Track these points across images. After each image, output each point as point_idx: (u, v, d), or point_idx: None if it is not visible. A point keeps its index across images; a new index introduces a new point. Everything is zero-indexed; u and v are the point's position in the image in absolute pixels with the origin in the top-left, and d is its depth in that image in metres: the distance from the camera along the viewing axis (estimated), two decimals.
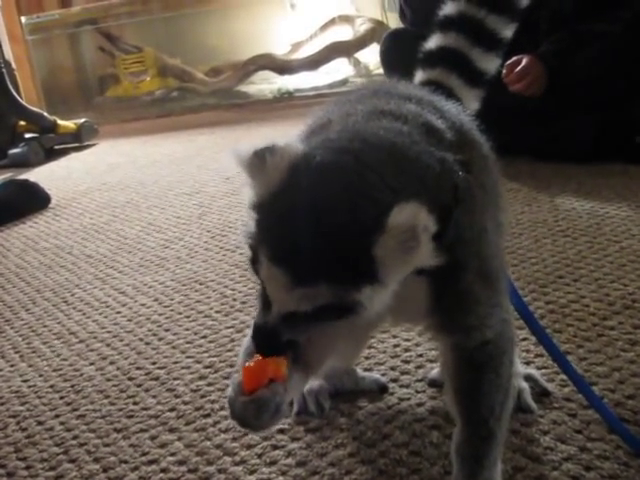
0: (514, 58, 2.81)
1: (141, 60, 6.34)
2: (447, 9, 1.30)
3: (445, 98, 1.07)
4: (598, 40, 2.80)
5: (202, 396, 1.41)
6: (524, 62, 2.77)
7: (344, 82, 5.89)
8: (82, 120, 4.96)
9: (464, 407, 0.99)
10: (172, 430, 1.31)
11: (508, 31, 1.29)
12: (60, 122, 4.79)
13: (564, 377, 1.30)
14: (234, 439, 1.25)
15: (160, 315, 1.84)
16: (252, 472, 1.16)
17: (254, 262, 0.82)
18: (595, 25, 2.84)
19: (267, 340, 0.84)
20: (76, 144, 4.89)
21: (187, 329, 1.73)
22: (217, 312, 1.80)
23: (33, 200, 3.18)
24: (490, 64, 1.30)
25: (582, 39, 2.82)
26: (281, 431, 1.25)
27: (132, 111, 6.15)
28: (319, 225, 0.76)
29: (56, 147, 4.79)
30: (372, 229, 0.74)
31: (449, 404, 1.04)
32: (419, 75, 1.29)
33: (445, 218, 0.81)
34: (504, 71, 2.81)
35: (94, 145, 4.96)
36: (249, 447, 1.22)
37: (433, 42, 1.31)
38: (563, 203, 2.33)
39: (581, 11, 2.80)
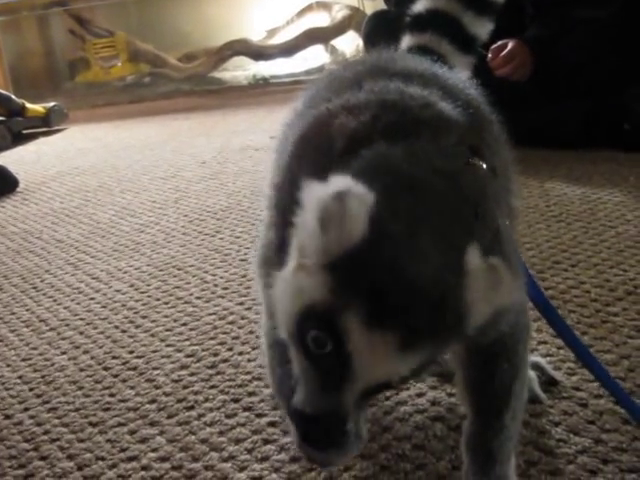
0: (500, 42, 2.75)
1: (112, 45, 6.18)
2: None
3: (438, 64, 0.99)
4: (584, 25, 2.75)
5: (184, 387, 1.32)
6: (510, 46, 2.71)
7: (320, 69, 5.79)
8: (51, 104, 4.79)
9: (477, 399, 0.91)
10: (153, 424, 1.21)
11: None
12: (28, 105, 4.62)
13: (571, 365, 1.25)
14: (221, 433, 1.16)
15: (137, 301, 1.73)
16: (242, 469, 1.06)
17: (328, 329, 0.64)
18: (581, 10, 2.79)
19: (330, 429, 0.68)
20: (45, 128, 4.73)
21: (166, 316, 1.63)
22: (197, 298, 1.70)
23: (0, 183, 3.04)
24: (482, 29, 1.23)
25: (568, 24, 2.77)
26: (272, 424, 1.16)
27: (103, 97, 5.99)
28: (419, 279, 0.64)
29: (24, 131, 4.62)
30: (461, 275, 0.65)
31: (460, 396, 0.96)
32: (407, 39, 1.21)
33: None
34: (489, 55, 2.75)
35: (64, 130, 4.80)
36: (238, 442, 1.13)
37: (422, 4, 1.23)
38: (553, 188, 2.27)
39: None
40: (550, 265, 1.68)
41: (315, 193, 0.64)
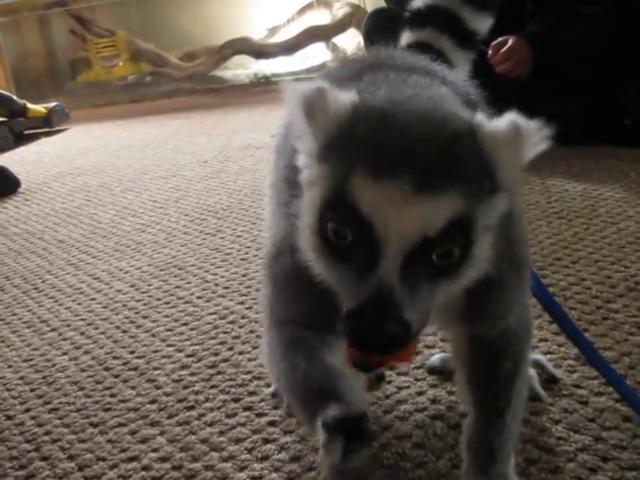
0: (500, 39, 2.74)
1: (113, 44, 6.19)
2: None
3: (437, 61, 0.99)
4: (584, 21, 2.75)
5: (185, 387, 1.32)
6: (510, 43, 2.71)
7: (322, 67, 5.79)
8: (53, 104, 4.79)
9: (479, 397, 0.91)
10: (153, 424, 1.22)
11: None
12: (30, 106, 4.62)
13: (571, 362, 1.25)
14: (221, 433, 1.16)
15: (137, 301, 1.73)
16: (242, 469, 1.06)
17: (334, 208, 0.65)
18: (581, 6, 2.79)
19: (382, 318, 0.63)
20: (47, 128, 4.73)
21: (167, 316, 1.63)
22: (198, 298, 1.70)
23: (1, 184, 3.04)
24: (482, 24, 1.24)
25: (568, 20, 2.77)
26: (272, 423, 1.16)
27: (104, 96, 5.99)
28: (431, 129, 0.66)
29: (26, 132, 4.63)
30: (481, 131, 0.67)
31: (461, 394, 0.96)
32: (407, 36, 1.22)
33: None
34: (490, 52, 2.75)
35: (65, 130, 4.80)
36: (238, 441, 1.13)
37: (421, 0, 1.24)
38: (554, 185, 2.27)
39: None
40: (551, 262, 1.67)
41: (296, 90, 0.67)
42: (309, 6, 6.04)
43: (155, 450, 1.14)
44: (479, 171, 0.66)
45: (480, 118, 0.69)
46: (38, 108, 4.69)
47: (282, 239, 0.84)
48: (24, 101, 4.63)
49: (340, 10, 5.91)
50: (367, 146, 0.65)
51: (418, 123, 0.66)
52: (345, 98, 0.68)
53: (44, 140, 4.54)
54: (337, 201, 0.65)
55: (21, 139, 4.50)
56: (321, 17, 5.97)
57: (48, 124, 4.73)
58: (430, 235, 0.63)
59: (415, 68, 0.90)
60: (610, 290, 1.50)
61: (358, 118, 0.67)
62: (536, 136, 0.67)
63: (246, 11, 6.13)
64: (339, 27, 5.85)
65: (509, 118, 0.67)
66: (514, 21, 2.79)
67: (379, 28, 2.88)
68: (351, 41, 5.72)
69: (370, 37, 3.01)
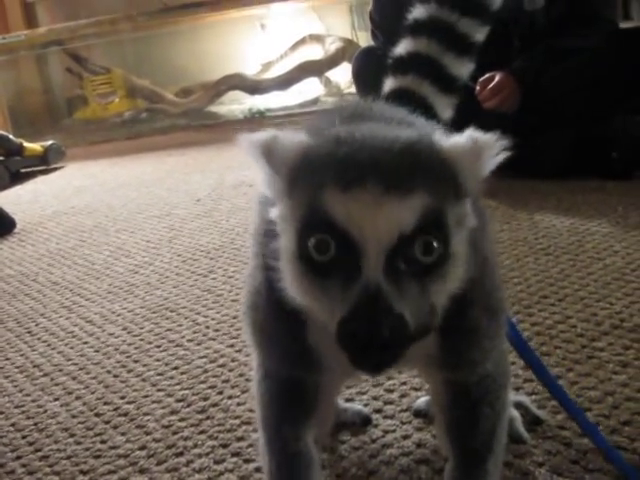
0: (487, 75, 2.79)
1: (109, 81, 6.28)
2: (417, 13, 1.26)
3: (419, 108, 1.02)
4: (571, 56, 2.80)
5: (174, 432, 1.33)
6: (497, 78, 2.76)
7: (315, 101, 5.87)
8: (49, 142, 4.84)
9: (459, 443, 0.92)
10: (142, 471, 1.23)
11: (480, 35, 1.26)
12: (26, 144, 4.67)
13: (555, 403, 1.25)
14: (209, 479, 1.17)
15: (129, 345, 1.75)
16: None
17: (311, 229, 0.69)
18: (568, 41, 2.84)
19: (376, 317, 0.64)
20: (43, 167, 4.77)
21: (158, 360, 1.64)
22: (189, 341, 1.71)
23: None
24: (463, 69, 1.26)
25: (555, 55, 2.81)
26: (259, 469, 1.17)
27: (101, 133, 6.06)
28: (390, 141, 0.71)
29: (22, 170, 4.67)
30: (440, 143, 0.73)
31: (441, 440, 0.97)
32: (389, 82, 1.24)
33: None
34: (477, 88, 2.79)
35: (61, 168, 4.85)
36: None
37: (403, 47, 1.26)
38: (542, 220, 2.29)
39: (554, 27, 2.80)
40: (537, 300, 1.69)
41: (252, 139, 0.73)
42: (302, 41, 6.14)
43: None
44: (442, 175, 0.70)
45: (440, 134, 0.75)
46: (34, 147, 4.74)
47: (256, 289, 0.87)
48: (21, 140, 4.68)
49: (332, 45, 6.00)
50: (331, 164, 0.69)
51: (377, 137, 0.72)
52: (300, 137, 0.74)
53: (40, 178, 4.58)
54: (313, 217, 0.69)
55: (17, 177, 4.54)
56: (314, 52, 6.07)
57: (44, 162, 4.77)
58: (406, 231, 0.66)
59: (392, 119, 0.93)
60: (595, 328, 1.52)
61: (317, 146, 0.72)
62: (494, 148, 0.72)
63: (240, 47, 6.22)
64: (332, 62, 5.94)
65: (467, 133, 0.72)
66: (501, 57, 2.84)
67: (368, 67, 2.93)
68: (344, 75, 5.79)
69: (359, 77, 3.06)
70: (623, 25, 3.36)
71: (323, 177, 0.69)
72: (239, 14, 6.04)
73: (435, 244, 0.68)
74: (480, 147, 0.71)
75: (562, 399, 1.10)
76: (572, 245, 2.03)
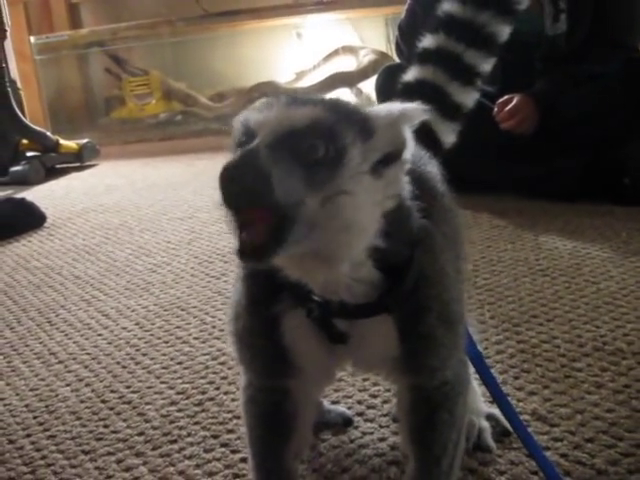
0: (506, 96, 2.87)
1: (147, 83, 6.43)
2: (426, 42, 1.34)
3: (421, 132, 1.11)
4: (591, 81, 2.85)
5: (171, 422, 1.43)
6: (515, 100, 2.83)
7: None
8: (84, 141, 5.02)
9: (418, 446, 1.00)
10: (138, 454, 1.33)
11: (486, 65, 1.34)
12: (62, 142, 4.85)
13: (526, 417, 1.33)
14: (197, 466, 1.27)
15: (140, 339, 1.86)
16: None
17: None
18: (588, 66, 2.90)
19: (245, 170, 0.75)
20: (77, 164, 4.95)
21: (164, 354, 1.75)
22: (195, 339, 1.82)
23: (28, 219, 3.22)
24: (467, 98, 1.34)
25: (575, 80, 2.87)
26: (243, 460, 1.27)
27: (136, 133, 6.23)
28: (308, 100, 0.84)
29: (57, 166, 4.85)
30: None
31: (403, 442, 1.06)
32: None
33: (407, 258, 0.87)
34: (496, 109, 2.87)
35: (95, 165, 5.02)
36: (211, 474, 1.24)
37: (411, 74, 1.35)
38: (546, 242, 2.36)
39: (575, 52, 2.86)
40: (527, 319, 1.76)
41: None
42: (335, 52, 6.24)
43: (136, 478, 1.26)
44: (353, 117, 0.82)
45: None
46: (70, 144, 4.92)
47: (237, 301, 0.97)
48: (57, 137, 4.86)
49: (366, 57, 6.09)
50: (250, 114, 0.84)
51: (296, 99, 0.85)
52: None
53: (74, 175, 4.75)
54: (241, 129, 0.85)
55: (52, 173, 4.71)
56: (347, 63, 6.16)
57: (79, 160, 4.95)
58: (296, 128, 0.78)
59: None
60: (577, 349, 1.59)
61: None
62: (414, 112, 0.85)
63: (276, 55, 6.34)
64: (364, 74, 6.02)
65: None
66: (522, 79, 2.91)
67: (389, 85, 3.02)
68: None
69: (380, 93, 3.14)
70: None
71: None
72: (276, 23, 6.16)
73: (322, 149, 0.78)
74: (402, 111, 0.84)
75: (511, 415, 1.18)
76: (570, 268, 2.09)
